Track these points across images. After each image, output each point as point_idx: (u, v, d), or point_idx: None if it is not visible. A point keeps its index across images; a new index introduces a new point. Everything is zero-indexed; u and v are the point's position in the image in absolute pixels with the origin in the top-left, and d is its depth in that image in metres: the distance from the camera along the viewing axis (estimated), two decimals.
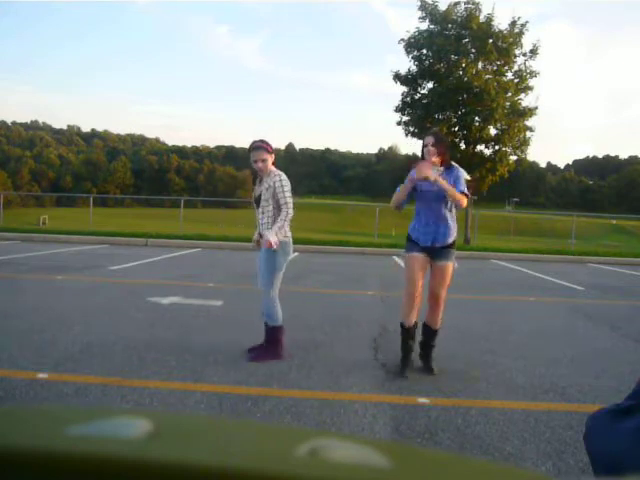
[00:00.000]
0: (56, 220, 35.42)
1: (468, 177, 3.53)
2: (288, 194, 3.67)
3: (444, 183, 3.31)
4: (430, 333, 3.66)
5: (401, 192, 3.50)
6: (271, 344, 3.77)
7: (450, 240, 3.52)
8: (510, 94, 17.23)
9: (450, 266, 3.54)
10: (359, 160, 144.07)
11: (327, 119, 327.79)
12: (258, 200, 3.77)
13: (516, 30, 17.14)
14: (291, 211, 3.67)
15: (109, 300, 5.65)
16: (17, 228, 15.02)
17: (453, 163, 3.55)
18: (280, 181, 3.65)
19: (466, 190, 3.42)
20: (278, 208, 3.69)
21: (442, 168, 3.45)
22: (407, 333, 3.62)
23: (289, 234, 3.76)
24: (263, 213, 3.71)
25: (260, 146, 3.66)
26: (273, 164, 3.75)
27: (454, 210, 3.52)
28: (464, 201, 3.35)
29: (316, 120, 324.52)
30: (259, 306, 3.88)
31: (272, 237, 3.58)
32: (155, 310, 5.20)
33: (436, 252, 3.51)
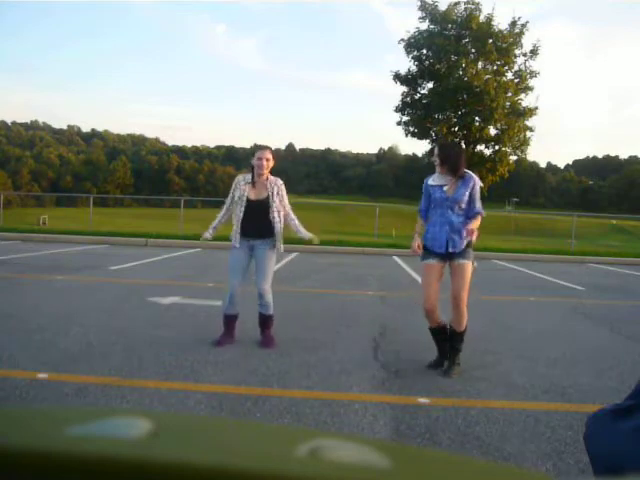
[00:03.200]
0: (56, 220, 35.39)
1: (481, 184, 3.60)
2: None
3: (472, 234, 3.42)
4: (453, 335, 3.66)
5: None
6: (268, 329, 4.14)
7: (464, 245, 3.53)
8: (510, 94, 17.23)
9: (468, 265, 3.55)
10: (359, 160, 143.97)
11: (327, 119, 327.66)
12: (261, 202, 3.99)
13: (516, 30, 17.15)
14: None
15: (109, 300, 5.65)
16: (17, 228, 15.02)
17: (467, 172, 3.57)
18: (284, 188, 4.09)
19: (481, 208, 3.53)
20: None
21: (454, 179, 3.50)
22: (432, 332, 3.73)
23: None
24: (274, 215, 3.99)
25: (267, 146, 4.08)
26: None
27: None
28: (476, 225, 3.48)
29: (316, 120, 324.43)
30: (257, 305, 4.13)
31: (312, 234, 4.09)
32: (155, 310, 5.20)
33: (451, 255, 3.54)
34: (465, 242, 3.50)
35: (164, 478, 0.23)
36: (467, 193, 3.47)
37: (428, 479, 0.25)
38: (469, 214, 3.51)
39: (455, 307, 3.54)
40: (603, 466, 0.78)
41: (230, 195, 4.10)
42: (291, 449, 0.26)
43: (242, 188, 4.01)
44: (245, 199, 3.99)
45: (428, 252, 3.56)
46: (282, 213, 4.03)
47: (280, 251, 4.06)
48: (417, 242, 3.57)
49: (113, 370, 3.33)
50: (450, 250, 3.48)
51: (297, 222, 4.10)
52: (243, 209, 3.99)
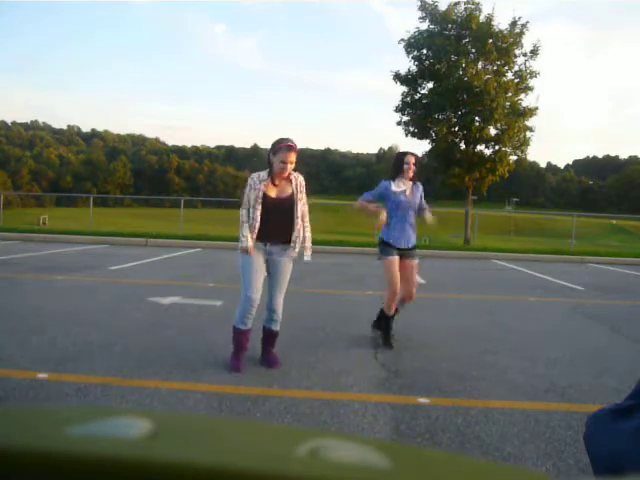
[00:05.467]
0: (56, 220, 35.42)
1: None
2: None
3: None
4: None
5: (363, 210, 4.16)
6: (273, 346, 3.65)
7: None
8: (510, 94, 17.24)
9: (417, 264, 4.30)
10: (359, 160, 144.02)
11: (327, 119, 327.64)
12: (285, 200, 3.47)
13: (516, 30, 17.16)
14: None
15: (109, 300, 5.65)
16: (17, 228, 15.02)
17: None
18: (302, 180, 3.54)
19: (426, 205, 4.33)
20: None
21: (411, 183, 4.17)
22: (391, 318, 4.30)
23: None
24: (299, 215, 3.48)
25: (294, 147, 3.39)
26: None
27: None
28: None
29: (316, 120, 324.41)
30: (264, 319, 3.65)
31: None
32: (155, 310, 5.20)
33: (407, 252, 4.16)
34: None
35: (164, 478, 0.23)
36: (419, 196, 4.19)
37: (428, 479, 0.25)
38: (420, 211, 4.23)
39: (410, 294, 4.22)
40: (603, 466, 0.78)
41: (246, 198, 3.49)
42: (291, 449, 0.26)
43: (259, 188, 3.44)
44: (262, 198, 3.43)
45: (391, 248, 4.10)
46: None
47: (295, 256, 3.51)
48: (376, 209, 4.15)
49: (113, 370, 3.33)
50: (409, 245, 4.13)
51: (308, 235, 3.52)
52: (260, 209, 3.43)
